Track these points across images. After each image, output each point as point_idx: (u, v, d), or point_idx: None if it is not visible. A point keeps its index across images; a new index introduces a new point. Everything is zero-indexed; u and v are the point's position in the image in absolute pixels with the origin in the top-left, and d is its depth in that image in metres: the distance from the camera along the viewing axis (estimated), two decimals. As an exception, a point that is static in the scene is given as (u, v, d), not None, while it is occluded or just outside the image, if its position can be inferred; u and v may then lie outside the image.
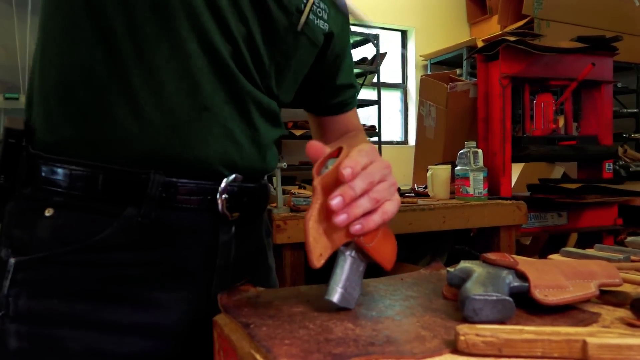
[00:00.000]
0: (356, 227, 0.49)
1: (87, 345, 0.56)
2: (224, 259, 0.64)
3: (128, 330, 0.58)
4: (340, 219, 0.47)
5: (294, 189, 1.74)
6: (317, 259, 0.48)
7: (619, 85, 4.11)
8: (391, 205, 0.52)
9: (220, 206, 0.62)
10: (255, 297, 0.58)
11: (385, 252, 0.54)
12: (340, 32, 0.75)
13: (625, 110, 4.34)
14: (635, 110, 4.40)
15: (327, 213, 0.49)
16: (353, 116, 0.86)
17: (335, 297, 0.50)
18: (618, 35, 2.25)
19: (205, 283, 0.63)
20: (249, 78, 0.63)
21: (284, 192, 1.57)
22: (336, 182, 0.49)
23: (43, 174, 0.58)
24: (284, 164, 1.47)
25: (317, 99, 0.84)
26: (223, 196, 0.62)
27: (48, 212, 0.57)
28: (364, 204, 0.49)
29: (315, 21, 0.69)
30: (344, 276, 0.51)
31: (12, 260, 0.56)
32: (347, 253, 0.52)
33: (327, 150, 0.52)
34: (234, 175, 0.62)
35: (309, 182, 2.15)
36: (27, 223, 0.58)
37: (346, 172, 0.47)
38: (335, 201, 0.46)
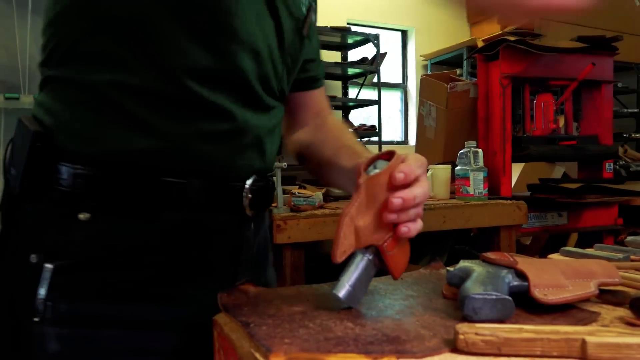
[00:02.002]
0: (403, 230, 0.52)
1: (129, 343, 0.57)
2: (247, 253, 0.68)
3: (168, 327, 0.59)
4: (391, 217, 0.51)
5: (294, 189, 1.73)
6: (340, 255, 0.50)
7: (619, 85, 4.11)
8: (421, 224, 0.55)
9: (245, 205, 0.65)
10: (255, 297, 0.58)
11: (399, 262, 0.56)
12: (314, 6, 0.77)
13: (625, 110, 4.34)
14: (636, 110, 4.40)
15: (364, 212, 0.51)
16: (321, 96, 0.87)
17: (342, 293, 0.51)
18: (618, 35, 2.25)
19: (231, 277, 0.65)
20: (269, 93, 0.66)
21: (284, 192, 1.56)
22: (383, 184, 0.52)
23: (75, 178, 0.56)
24: (284, 164, 1.47)
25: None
26: (249, 196, 0.65)
27: (83, 216, 0.56)
28: (414, 212, 0.53)
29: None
30: (355, 275, 0.52)
31: (48, 266, 0.55)
32: (366, 255, 0.53)
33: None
34: (254, 176, 0.65)
35: (309, 182, 2.15)
36: (60, 227, 0.56)
37: (399, 176, 0.51)
38: (397, 201, 0.51)
